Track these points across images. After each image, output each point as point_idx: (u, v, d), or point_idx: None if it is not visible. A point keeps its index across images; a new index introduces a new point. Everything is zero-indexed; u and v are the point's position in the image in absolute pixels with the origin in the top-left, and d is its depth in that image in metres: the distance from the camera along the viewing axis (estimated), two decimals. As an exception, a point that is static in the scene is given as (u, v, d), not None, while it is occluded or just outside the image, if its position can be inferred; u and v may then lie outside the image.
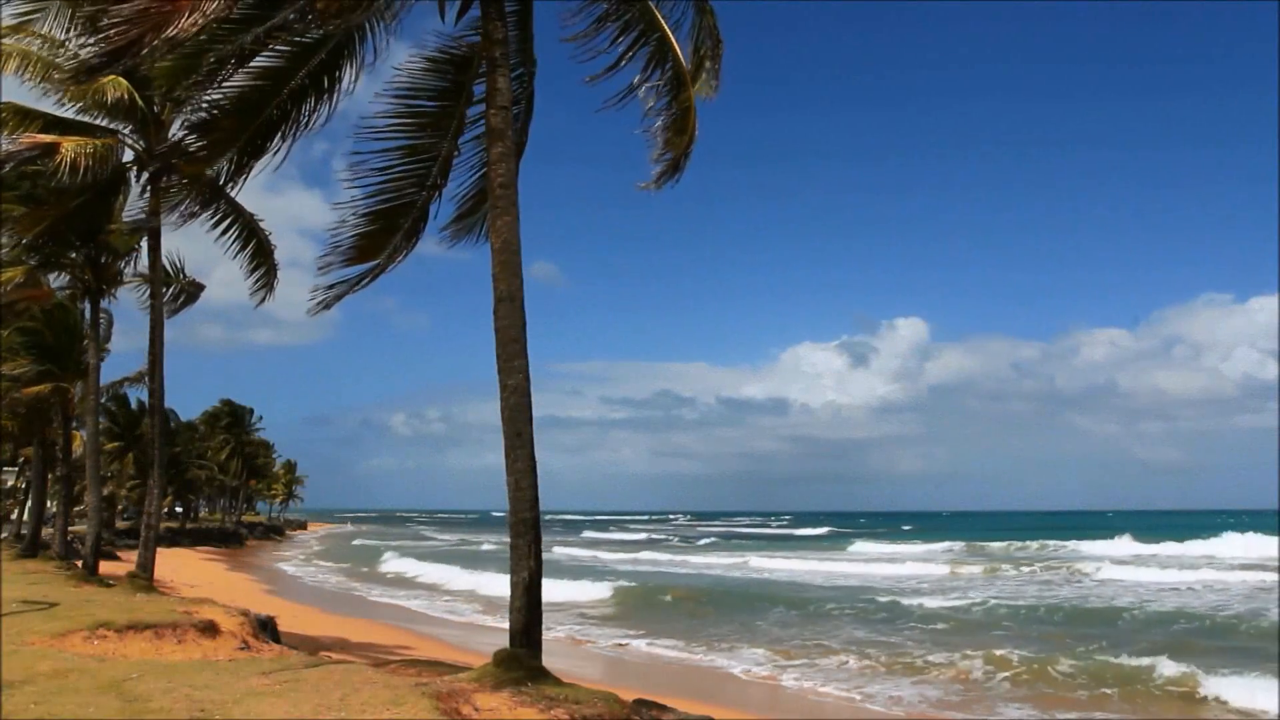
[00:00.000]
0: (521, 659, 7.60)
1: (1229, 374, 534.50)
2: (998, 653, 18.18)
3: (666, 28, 9.50)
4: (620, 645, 21.26)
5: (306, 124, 9.68)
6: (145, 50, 6.73)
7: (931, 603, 27.57)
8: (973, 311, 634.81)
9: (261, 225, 17.79)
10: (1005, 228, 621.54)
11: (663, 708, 7.74)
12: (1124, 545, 59.34)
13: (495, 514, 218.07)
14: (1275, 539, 53.99)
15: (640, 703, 7.60)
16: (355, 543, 79.19)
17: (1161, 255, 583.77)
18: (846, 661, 18.48)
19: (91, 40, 7.01)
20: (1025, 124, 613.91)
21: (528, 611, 7.83)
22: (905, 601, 27.94)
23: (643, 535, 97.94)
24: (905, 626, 23.48)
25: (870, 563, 49.61)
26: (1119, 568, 41.89)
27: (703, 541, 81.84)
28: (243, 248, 17.54)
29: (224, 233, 17.02)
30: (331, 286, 10.36)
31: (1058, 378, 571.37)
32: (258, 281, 18.07)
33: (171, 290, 20.29)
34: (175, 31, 6.73)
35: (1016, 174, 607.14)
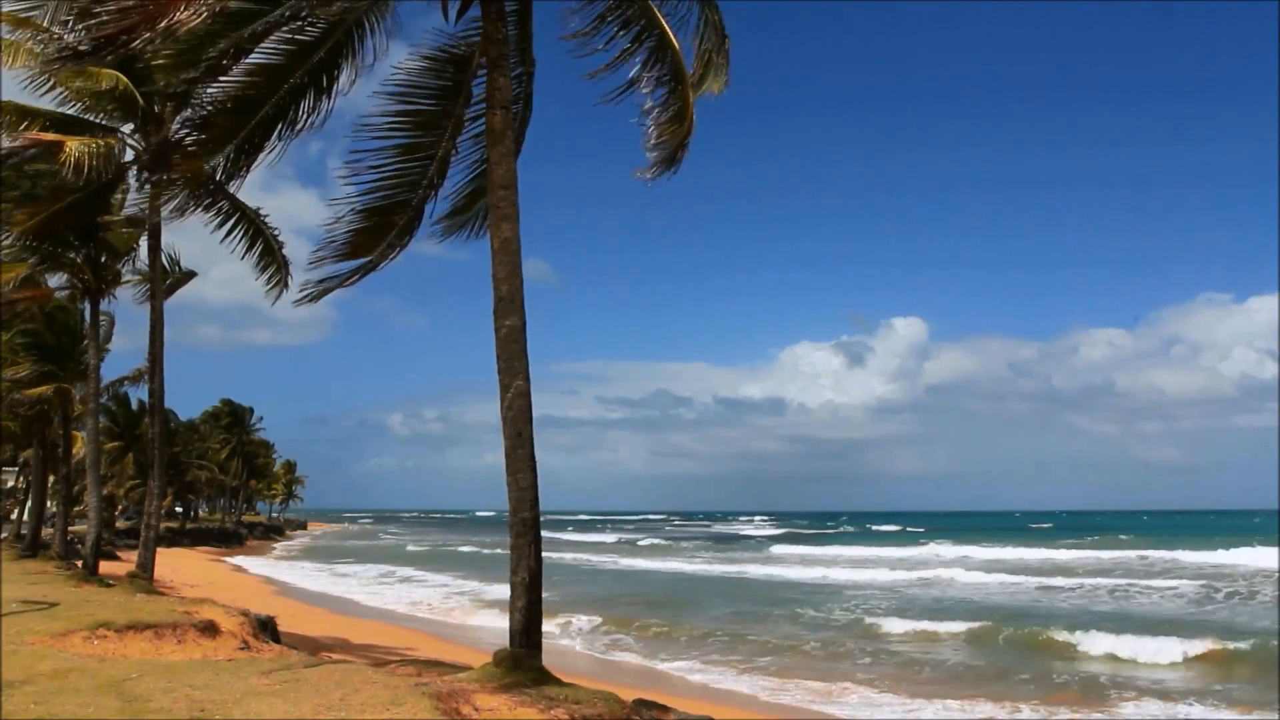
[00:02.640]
0: (521, 659, 7.60)
1: (1227, 374, 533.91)
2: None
3: (665, 25, 9.50)
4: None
5: (305, 124, 9.59)
6: (138, 41, 6.63)
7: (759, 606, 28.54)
8: (971, 311, 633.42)
9: (267, 222, 17.73)
10: (1003, 227, 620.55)
11: (663, 708, 7.75)
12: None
13: (480, 513, 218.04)
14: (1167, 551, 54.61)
15: (640, 703, 7.61)
16: (297, 542, 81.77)
17: (1160, 255, 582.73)
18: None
19: (83, 27, 6.92)
20: (1024, 124, 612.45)
21: (528, 612, 7.82)
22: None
23: (596, 537, 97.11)
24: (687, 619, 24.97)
25: (768, 564, 50.39)
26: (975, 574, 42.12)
27: (643, 542, 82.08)
28: (250, 247, 17.38)
29: (229, 233, 16.82)
30: (321, 281, 10.35)
31: (1056, 378, 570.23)
32: (270, 279, 17.89)
33: (167, 284, 20.21)
34: (170, 24, 6.66)
35: (1015, 173, 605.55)
